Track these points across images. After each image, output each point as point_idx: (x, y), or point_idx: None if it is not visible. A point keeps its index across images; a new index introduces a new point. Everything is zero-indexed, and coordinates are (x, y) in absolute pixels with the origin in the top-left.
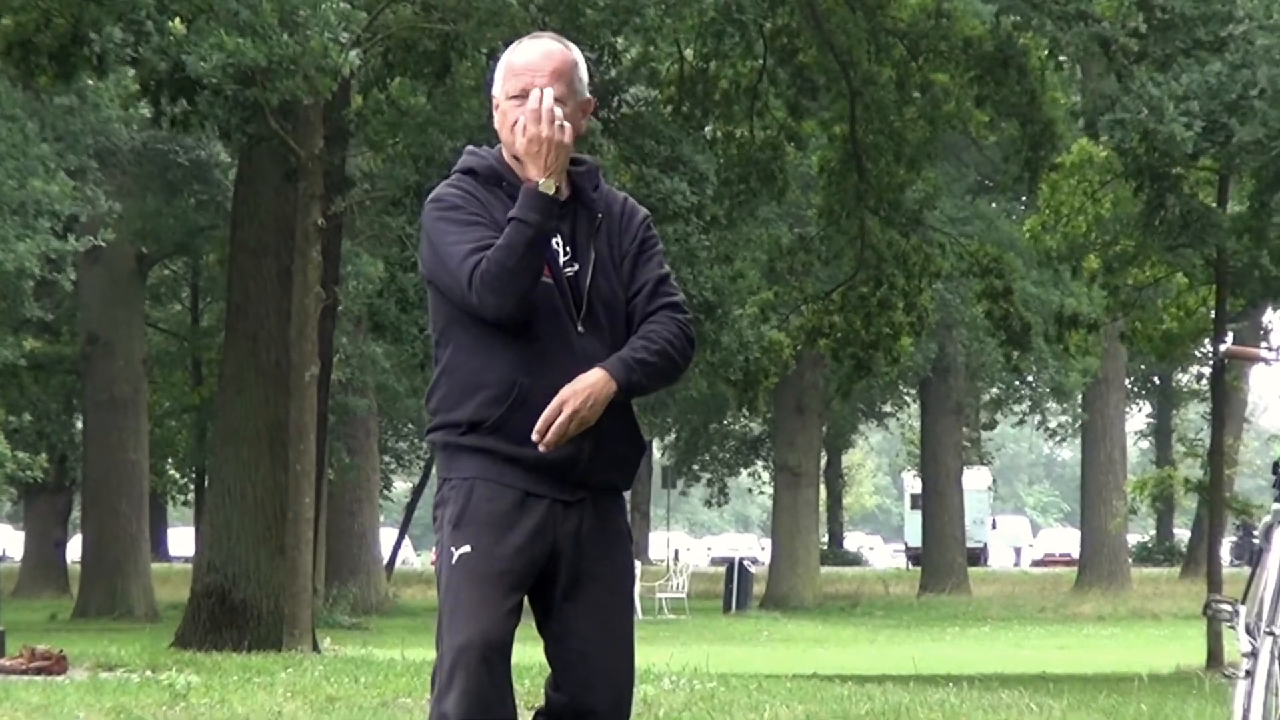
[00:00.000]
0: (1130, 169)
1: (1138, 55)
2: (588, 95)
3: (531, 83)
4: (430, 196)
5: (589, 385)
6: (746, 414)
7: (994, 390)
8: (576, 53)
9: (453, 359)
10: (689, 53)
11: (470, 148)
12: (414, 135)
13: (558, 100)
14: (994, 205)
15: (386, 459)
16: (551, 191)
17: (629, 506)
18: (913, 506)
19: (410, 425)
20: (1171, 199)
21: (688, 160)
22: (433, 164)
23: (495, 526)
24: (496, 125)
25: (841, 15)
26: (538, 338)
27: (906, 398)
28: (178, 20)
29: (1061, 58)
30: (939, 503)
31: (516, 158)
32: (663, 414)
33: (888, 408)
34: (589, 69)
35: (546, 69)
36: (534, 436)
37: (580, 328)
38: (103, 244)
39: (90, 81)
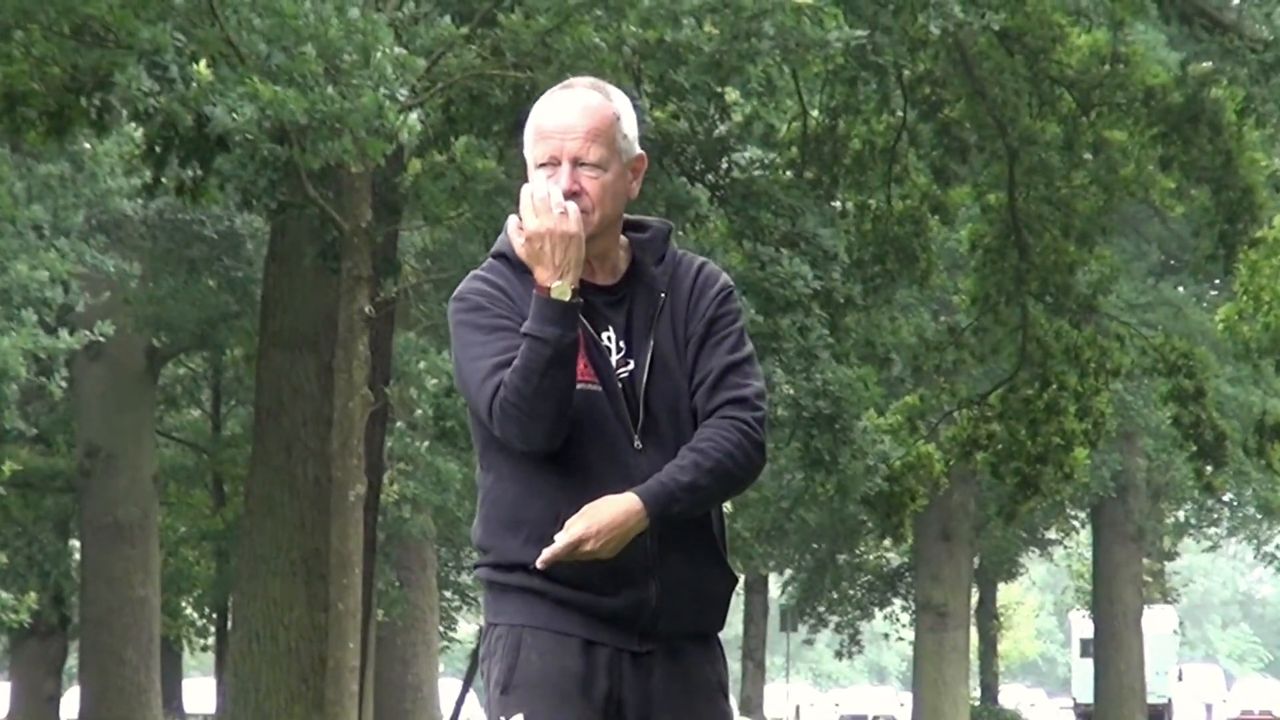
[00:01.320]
0: None
1: None
2: (638, 151)
3: (561, 149)
4: (454, 293)
5: (611, 516)
6: (887, 544)
7: (1181, 512)
8: (620, 101)
9: (494, 488)
10: (813, 107)
11: (511, 221)
12: (481, 205)
13: (594, 166)
14: (1182, 289)
15: (448, 595)
16: (567, 297)
17: (741, 653)
18: (1082, 654)
19: (476, 554)
20: None
21: (811, 236)
22: None
23: (551, 690)
24: None
25: (997, 60)
26: (586, 460)
27: (1075, 522)
28: (203, 64)
29: (1261, 112)
30: (1114, 649)
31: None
32: (780, 543)
33: (1052, 534)
34: (692, 125)
35: (583, 128)
36: (538, 563)
37: (638, 443)
38: (102, 338)
39: (88, 145)
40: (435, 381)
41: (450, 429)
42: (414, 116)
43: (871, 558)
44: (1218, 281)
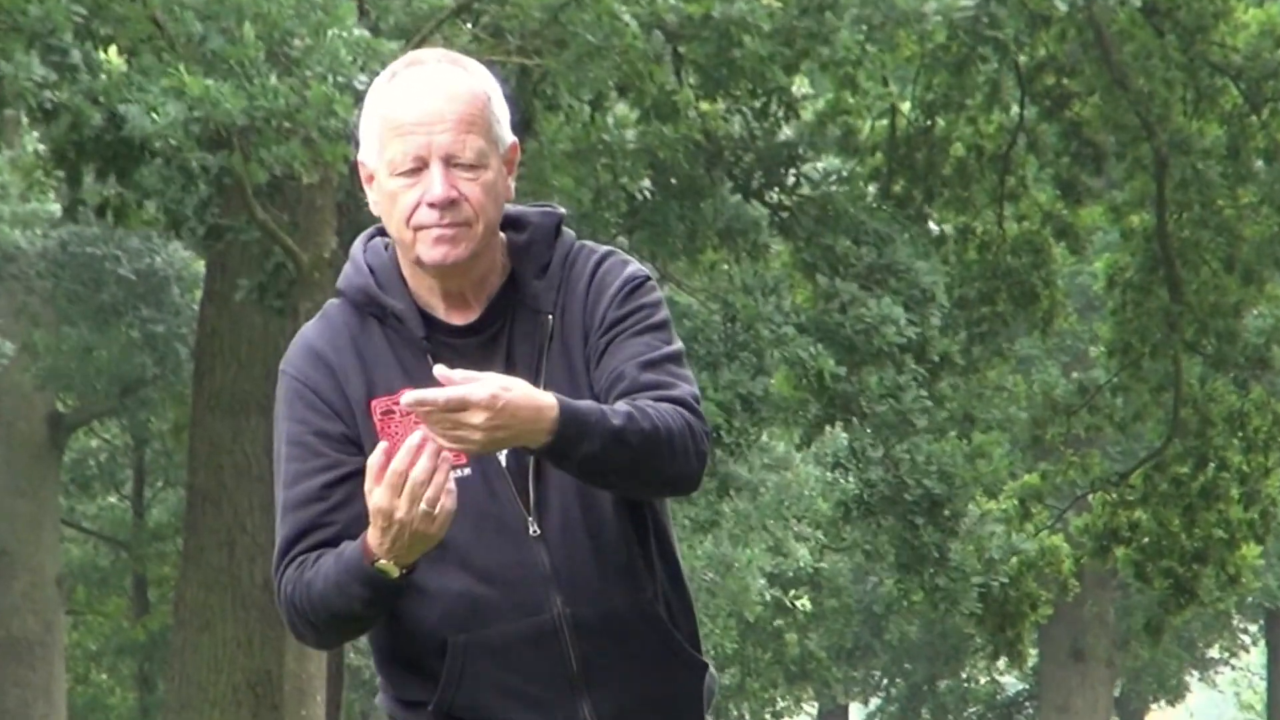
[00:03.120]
0: None
1: None
2: (511, 138)
3: (429, 146)
4: (281, 363)
5: (522, 398)
6: (1001, 665)
7: None
8: (485, 77)
9: (376, 627)
10: (905, 101)
11: (362, 239)
12: None
13: (471, 165)
14: None
15: None
16: (394, 576)
17: None
18: None
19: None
20: None
21: (903, 269)
22: None
23: None
24: (372, 205)
25: (1142, 41)
26: (466, 559)
27: (1244, 637)
28: (112, 50)
29: None
30: None
31: (419, 263)
32: (866, 662)
33: (1215, 652)
34: (744, 124)
35: (453, 117)
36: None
37: (533, 528)
38: None
39: None
40: None
41: None
42: None
43: (982, 683)
44: None
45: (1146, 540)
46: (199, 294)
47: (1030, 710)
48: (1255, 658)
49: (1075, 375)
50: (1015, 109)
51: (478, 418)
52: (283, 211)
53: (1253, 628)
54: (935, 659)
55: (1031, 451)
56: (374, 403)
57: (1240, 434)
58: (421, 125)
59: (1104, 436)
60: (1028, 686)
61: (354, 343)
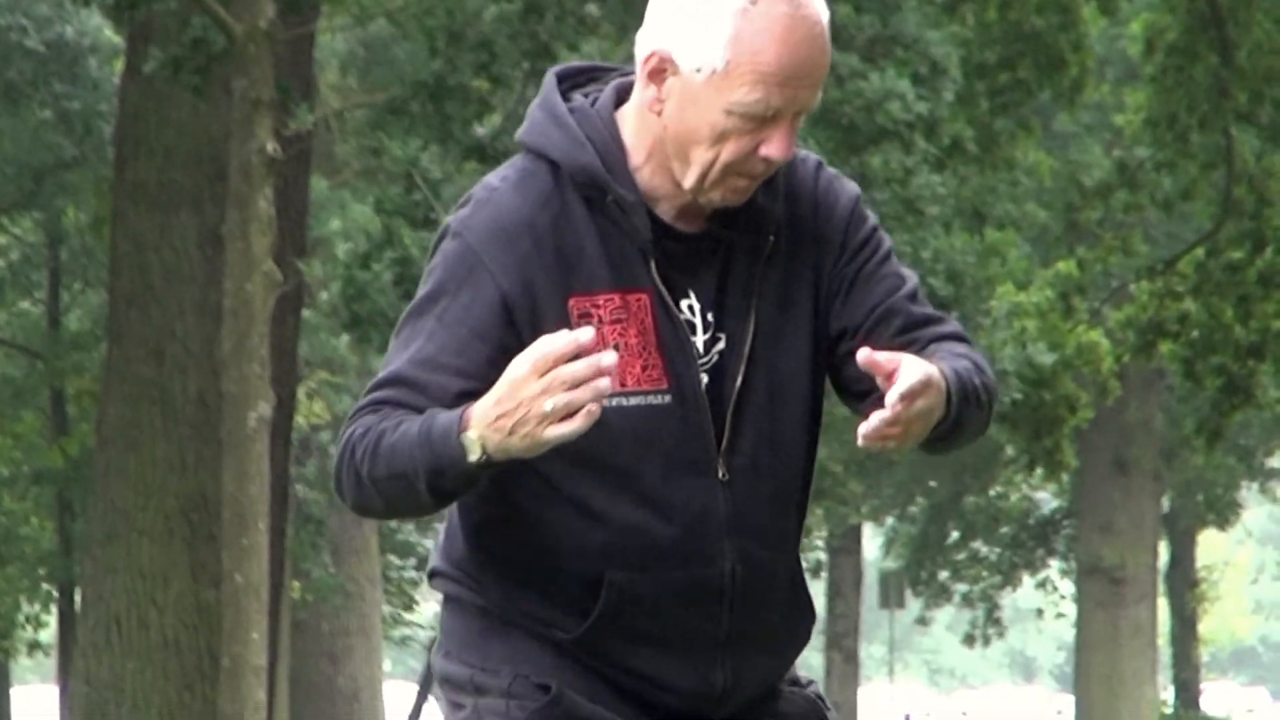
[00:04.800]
0: None
1: None
2: None
3: (793, 102)
4: (455, 221)
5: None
6: (1036, 478)
7: None
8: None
9: (496, 521)
10: None
11: (553, 88)
12: None
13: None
14: None
15: (396, 561)
16: (472, 459)
17: (824, 640)
18: None
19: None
20: None
21: (911, 39)
22: (463, 44)
23: None
24: (646, 101)
25: None
26: (647, 493)
27: None
28: None
29: None
30: None
31: (701, 198)
32: (882, 479)
33: (1275, 461)
34: None
35: (818, 76)
36: (861, 433)
37: (723, 471)
38: None
39: None
40: (349, 246)
41: (364, 315)
42: None
43: (1014, 499)
44: None
45: (1196, 334)
46: (120, 65)
47: (1069, 529)
48: None
49: (1116, 153)
50: None
51: (924, 401)
52: None
53: None
54: (962, 472)
55: (1065, 238)
56: (573, 301)
57: None
58: (793, 79)
59: (1146, 219)
60: (1065, 503)
61: (555, 225)
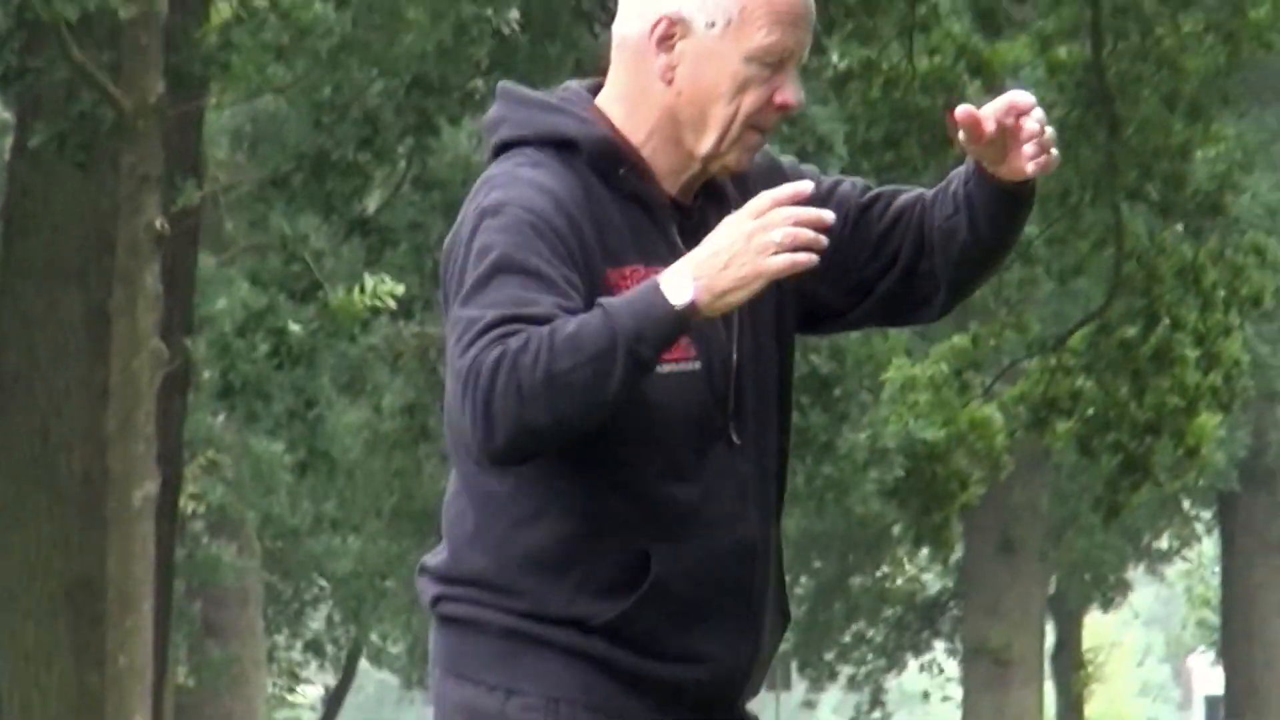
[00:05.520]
0: None
1: None
2: None
3: (799, 45)
4: (487, 204)
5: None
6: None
7: None
8: None
9: (519, 506)
10: None
11: (558, 94)
12: (320, 68)
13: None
14: None
15: (282, 641)
16: (682, 301)
17: None
18: (1209, 715)
19: (321, 583)
20: None
21: (797, 116)
22: (346, 120)
23: None
24: (659, 68)
25: None
26: (683, 464)
27: (1197, 525)
28: None
29: None
30: (1255, 710)
31: (717, 164)
32: None
33: (1163, 543)
34: None
35: (811, 15)
36: (1030, 165)
37: (735, 437)
38: None
39: None
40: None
41: (238, 385)
42: None
43: (901, 581)
44: None
45: (1091, 412)
46: (8, 140)
47: (955, 611)
48: (1209, 548)
49: None
50: None
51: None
52: (101, 51)
53: (1206, 514)
54: (848, 552)
55: (953, 315)
56: (612, 273)
57: (1193, 289)
58: (801, 19)
59: (1039, 292)
60: (951, 584)
61: (586, 199)
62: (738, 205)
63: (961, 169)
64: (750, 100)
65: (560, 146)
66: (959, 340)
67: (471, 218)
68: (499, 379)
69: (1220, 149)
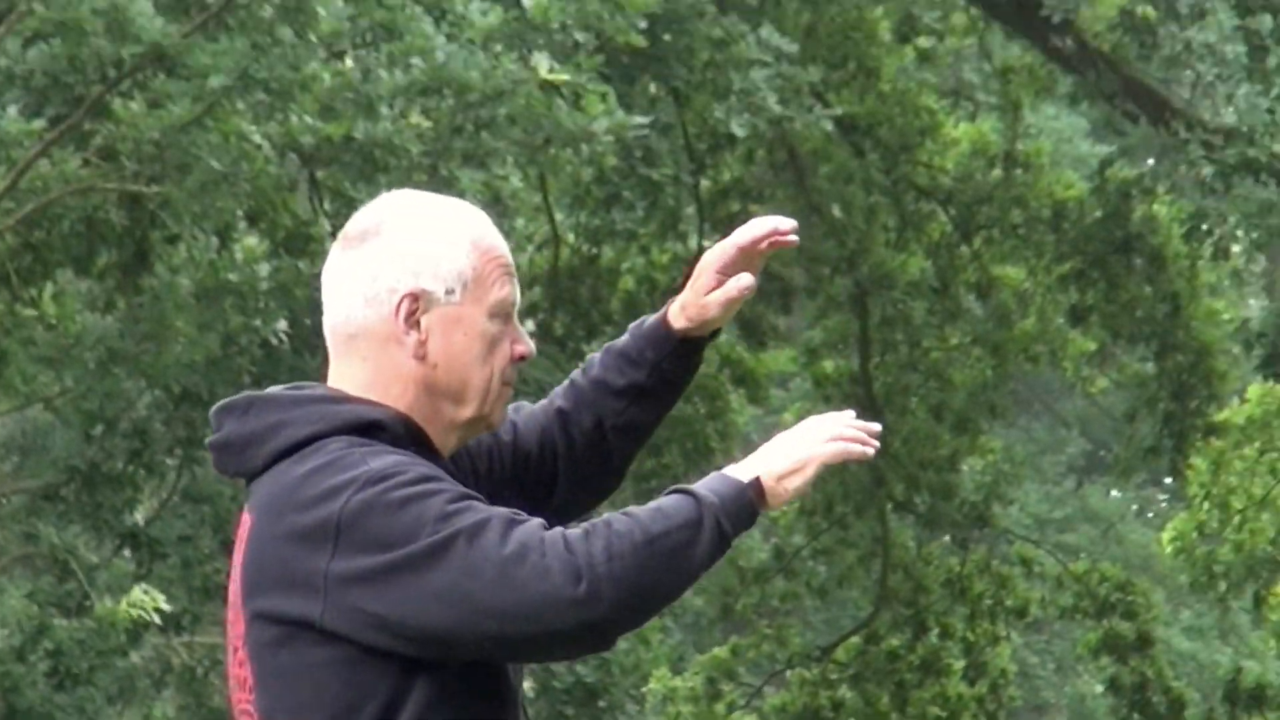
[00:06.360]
0: None
1: None
2: None
3: (517, 295)
4: (369, 474)
5: None
6: None
7: None
8: None
9: None
10: (570, 231)
11: (310, 390)
12: (89, 378)
13: None
14: (1114, 495)
15: None
16: (757, 509)
17: None
18: None
19: None
20: None
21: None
22: (116, 432)
23: None
24: (415, 347)
25: (839, 162)
26: (519, 706)
27: None
28: None
29: (1219, 235)
30: None
31: (484, 423)
32: None
33: None
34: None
35: None
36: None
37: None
38: None
39: None
40: (4, 633)
41: (20, 709)
42: None
43: None
44: (1166, 484)
45: None
46: None
47: None
48: None
49: (772, 540)
50: (695, 239)
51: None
52: None
53: None
54: None
55: (719, 624)
56: None
57: (960, 601)
58: (512, 269)
59: (804, 605)
60: None
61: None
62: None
63: (608, 372)
64: (500, 356)
65: (364, 431)
66: (719, 652)
67: (347, 498)
68: (610, 544)
69: (988, 460)
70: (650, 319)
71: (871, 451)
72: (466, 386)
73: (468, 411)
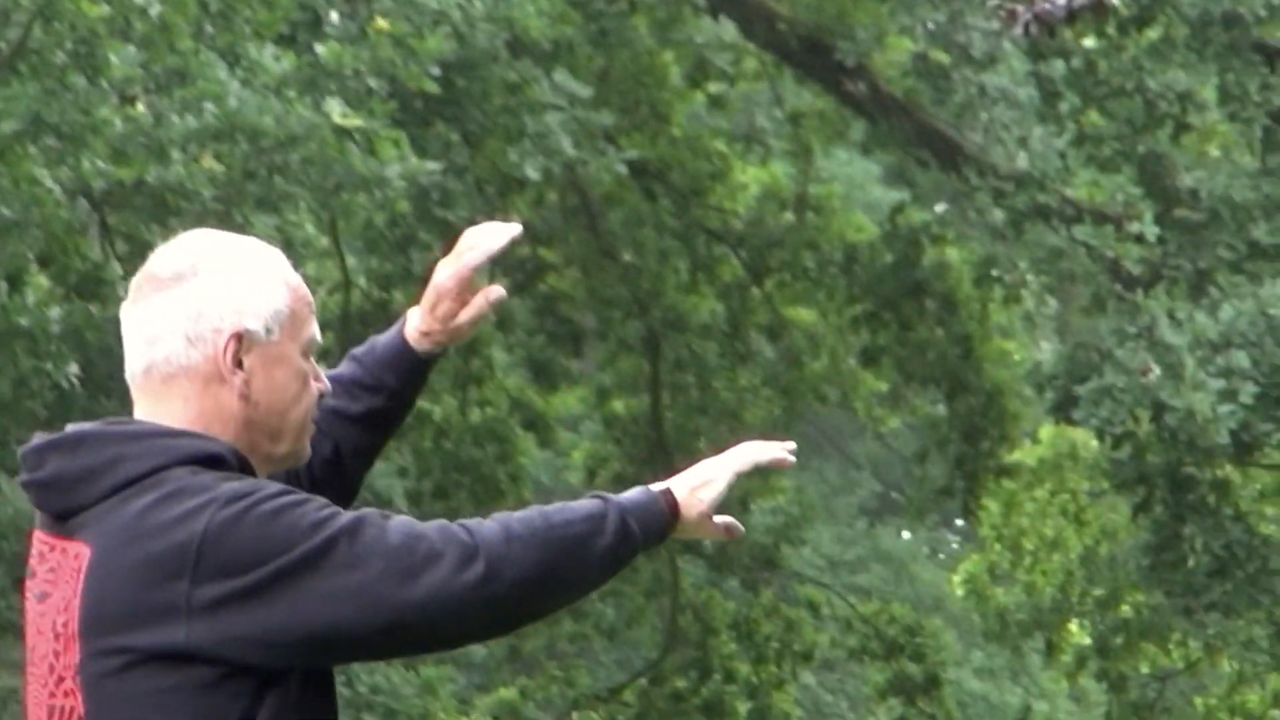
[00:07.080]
0: (1128, 474)
1: (1144, 277)
2: None
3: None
4: (224, 495)
5: None
6: None
7: None
8: None
9: None
10: (361, 275)
11: (137, 425)
12: None
13: None
14: (904, 536)
15: None
16: (670, 528)
17: None
18: None
19: None
20: (1193, 526)
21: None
22: None
23: None
24: (241, 387)
25: (632, 205)
26: None
27: None
28: None
29: (1008, 280)
30: None
31: (289, 455)
32: None
33: None
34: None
35: None
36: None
37: None
38: None
39: None
40: None
41: None
42: None
43: None
44: (957, 525)
45: None
46: None
47: None
48: None
49: None
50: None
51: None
52: None
53: None
54: None
55: (506, 665)
56: None
57: (747, 643)
58: (314, 307)
59: (590, 647)
60: None
61: None
62: None
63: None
64: (311, 392)
65: (205, 464)
66: (505, 692)
67: (209, 519)
68: (508, 528)
69: (778, 501)
70: (382, 343)
71: (791, 459)
72: (284, 423)
73: (283, 447)
